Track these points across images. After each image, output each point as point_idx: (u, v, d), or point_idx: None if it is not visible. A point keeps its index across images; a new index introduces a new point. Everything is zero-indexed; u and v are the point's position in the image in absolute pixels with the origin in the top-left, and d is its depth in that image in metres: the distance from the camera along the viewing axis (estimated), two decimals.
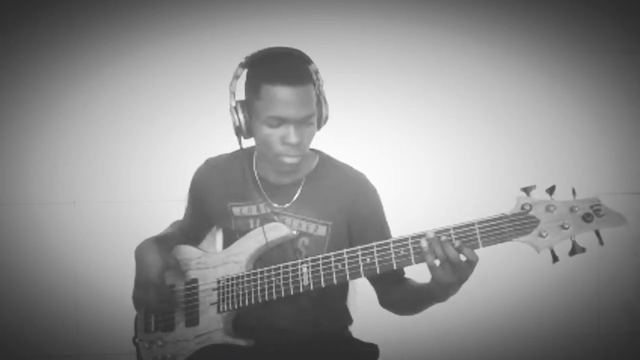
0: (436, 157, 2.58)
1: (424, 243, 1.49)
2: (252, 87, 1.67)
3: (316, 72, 1.69)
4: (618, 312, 2.63)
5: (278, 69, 1.64)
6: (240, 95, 1.72)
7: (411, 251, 1.53)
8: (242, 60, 1.69)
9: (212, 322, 1.75)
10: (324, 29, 2.52)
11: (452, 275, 1.48)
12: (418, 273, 1.71)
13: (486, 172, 2.57)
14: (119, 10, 2.51)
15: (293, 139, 1.64)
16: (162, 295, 1.77)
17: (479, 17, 2.56)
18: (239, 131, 1.70)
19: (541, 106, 2.59)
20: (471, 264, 1.48)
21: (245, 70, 1.71)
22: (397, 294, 1.76)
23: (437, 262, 1.49)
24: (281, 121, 1.63)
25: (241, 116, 1.68)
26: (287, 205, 1.76)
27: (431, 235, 1.49)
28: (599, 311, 2.63)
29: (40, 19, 2.50)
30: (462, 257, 1.49)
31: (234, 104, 1.69)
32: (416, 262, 1.53)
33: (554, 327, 2.63)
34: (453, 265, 1.47)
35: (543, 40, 2.58)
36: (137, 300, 1.80)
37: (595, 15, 2.57)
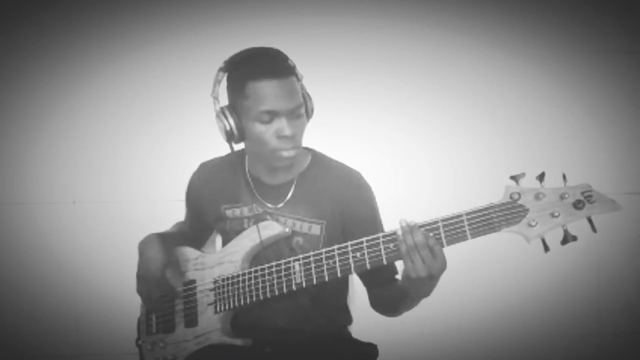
0: (436, 157, 2.58)
1: (399, 232, 1.49)
2: (237, 87, 1.67)
3: (295, 67, 1.70)
4: (618, 312, 2.63)
5: (260, 65, 1.66)
6: (223, 101, 1.72)
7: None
8: (221, 65, 1.71)
9: (210, 322, 1.75)
10: (323, 29, 2.52)
11: (422, 268, 1.47)
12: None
13: (486, 172, 2.57)
14: (119, 11, 2.52)
15: (287, 131, 1.64)
16: (162, 289, 1.78)
17: (479, 17, 2.56)
18: (230, 136, 1.70)
19: (541, 106, 2.59)
20: (436, 255, 1.47)
21: (226, 75, 1.72)
22: (386, 295, 1.75)
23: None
24: (272, 115, 1.64)
25: (231, 120, 1.68)
26: (280, 205, 1.76)
27: (404, 224, 1.49)
28: (599, 311, 2.63)
29: (41, 19, 2.50)
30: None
31: (219, 110, 1.70)
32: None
33: (554, 327, 2.63)
34: (422, 257, 1.46)
35: (543, 40, 2.58)
36: (141, 293, 1.81)
37: (595, 15, 2.57)
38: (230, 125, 1.68)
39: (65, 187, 2.54)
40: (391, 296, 1.72)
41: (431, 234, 1.48)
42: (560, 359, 2.64)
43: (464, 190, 2.57)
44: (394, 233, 1.54)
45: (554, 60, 2.58)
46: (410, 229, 1.48)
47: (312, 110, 1.75)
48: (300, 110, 1.68)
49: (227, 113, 1.69)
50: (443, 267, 1.49)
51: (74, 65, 2.52)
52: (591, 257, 2.58)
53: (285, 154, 1.67)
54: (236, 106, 1.69)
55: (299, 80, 1.70)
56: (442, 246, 1.48)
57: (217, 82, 1.72)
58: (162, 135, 2.55)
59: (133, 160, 2.55)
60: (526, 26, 2.57)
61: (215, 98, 1.71)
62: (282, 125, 1.64)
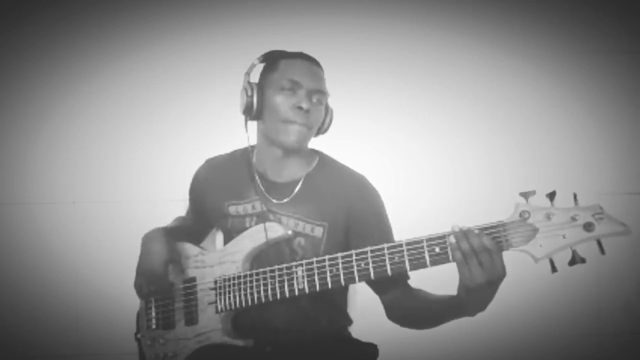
0: (436, 157, 2.58)
1: (452, 239, 1.43)
2: (270, 65, 1.78)
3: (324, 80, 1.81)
4: (618, 312, 2.63)
5: (298, 53, 1.79)
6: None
7: (406, 257, 1.50)
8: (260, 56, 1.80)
9: (210, 321, 1.75)
10: (324, 28, 2.52)
11: (480, 275, 1.40)
12: (428, 284, 1.70)
13: (486, 172, 2.57)
14: (119, 11, 2.51)
15: (304, 104, 1.69)
16: (162, 286, 1.78)
17: (479, 17, 2.56)
18: (249, 109, 1.75)
19: (541, 106, 2.59)
20: (493, 258, 1.40)
21: (263, 65, 1.82)
22: (407, 305, 1.71)
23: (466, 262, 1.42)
24: (295, 86, 1.71)
25: (254, 94, 1.75)
26: (285, 200, 1.76)
27: (457, 229, 1.43)
28: (599, 311, 2.62)
29: (41, 19, 2.50)
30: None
31: (247, 82, 1.76)
32: (411, 269, 1.51)
33: (554, 327, 2.63)
34: (481, 262, 1.40)
35: (543, 40, 2.57)
36: (140, 287, 1.81)
37: (595, 15, 2.57)
38: (251, 99, 1.74)
39: (65, 187, 2.54)
40: (432, 309, 1.63)
41: (479, 232, 1.41)
42: (560, 359, 2.64)
43: (464, 190, 2.57)
44: (400, 245, 1.51)
45: (554, 60, 2.58)
46: (465, 233, 1.41)
47: (329, 126, 1.79)
48: (321, 96, 1.74)
49: (253, 87, 1.76)
50: (503, 272, 1.42)
51: (74, 65, 2.52)
52: (591, 257, 2.57)
53: (296, 127, 1.70)
54: (263, 82, 1.77)
55: (326, 91, 1.80)
56: (502, 249, 1.42)
57: (253, 65, 1.79)
58: (162, 135, 2.54)
59: (133, 160, 2.54)
60: (526, 26, 2.57)
61: (248, 74, 1.78)
62: (300, 97, 1.70)
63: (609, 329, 2.63)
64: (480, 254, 1.40)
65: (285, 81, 1.71)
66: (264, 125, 1.79)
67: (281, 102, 1.71)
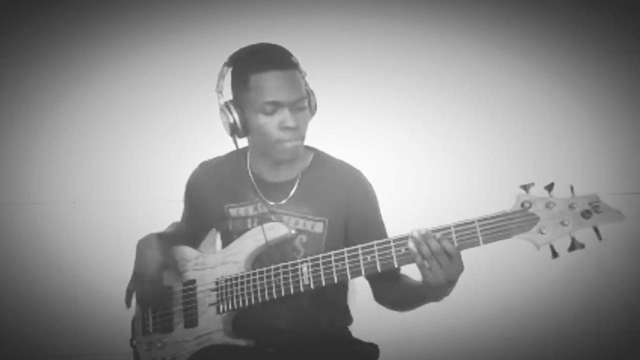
0: (436, 157, 2.58)
1: (411, 244, 1.50)
2: (240, 81, 1.69)
3: (298, 63, 1.71)
4: (618, 312, 2.63)
5: (263, 57, 1.68)
6: (227, 96, 1.73)
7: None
8: (225, 60, 1.73)
9: (211, 322, 1.75)
10: (324, 29, 2.52)
11: (440, 274, 1.49)
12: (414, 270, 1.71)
13: (486, 172, 2.58)
14: (119, 11, 2.52)
15: (291, 122, 1.65)
16: (157, 292, 1.77)
17: (479, 17, 2.57)
18: (234, 130, 1.71)
19: (541, 106, 2.59)
20: (454, 259, 1.49)
21: (230, 69, 1.73)
22: (392, 291, 1.76)
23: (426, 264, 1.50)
24: (276, 106, 1.65)
25: (235, 114, 1.70)
26: (283, 202, 1.76)
27: (416, 234, 1.50)
28: (599, 311, 2.63)
29: (40, 19, 2.50)
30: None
31: (223, 104, 1.71)
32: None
33: (554, 327, 2.64)
34: (440, 263, 1.48)
35: (543, 40, 2.58)
36: (136, 293, 1.81)
37: (595, 15, 2.57)
38: (234, 118, 1.70)
39: (65, 187, 2.54)
40: (408, 295, 1.72)
41: (440, 236, 1.50)
42: (560, 359, 2.64)
43: (463, 190, 2.58)
44: (406, 238, 1.54)
45: (554, 60, 2.58)
46: (423, 237, 1.49)
47: (316, 106, 1.76)
48: (303, 102, 1.69)
49: (231, 107, 1.70)
50: (461, 269, 1.52)
51: (73, 65, 2.52)
52: (591, 257, 2.58)
53: (289, 145, 1.68)
54: (240, 100, 1.70)
55: (302, 76, 1.72)
56: (460, 249, 1.50)
57: (222, 77, 1.73)
58: (162, 135, 2.55)
59: (133, 160, 2.55)
60: (526, 26, 2.57)
61: (219, 92, 1.73)
62: (285, 116, 1.66)
63: (609, 329, 2.63)
64: (439, 257, 1.49)
65: (264, 105, 1.65)
66: (253, 140, 1.76)
67: (266, 123, 1.66)
